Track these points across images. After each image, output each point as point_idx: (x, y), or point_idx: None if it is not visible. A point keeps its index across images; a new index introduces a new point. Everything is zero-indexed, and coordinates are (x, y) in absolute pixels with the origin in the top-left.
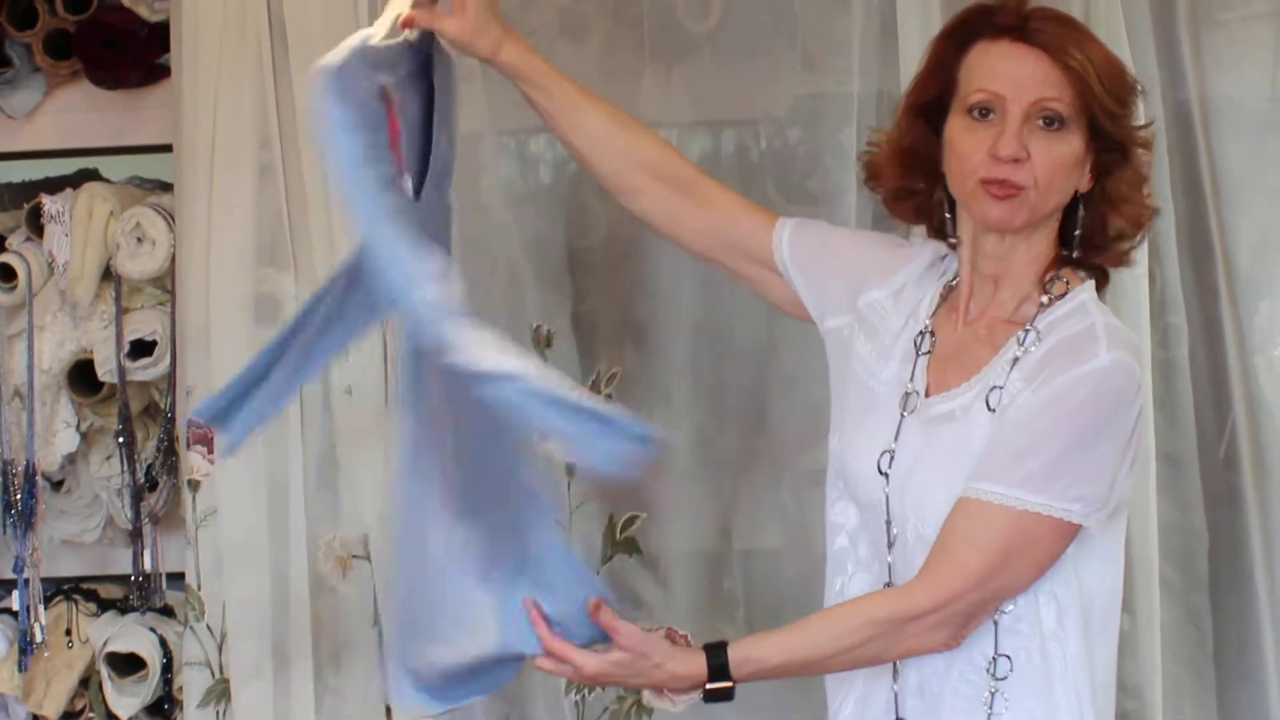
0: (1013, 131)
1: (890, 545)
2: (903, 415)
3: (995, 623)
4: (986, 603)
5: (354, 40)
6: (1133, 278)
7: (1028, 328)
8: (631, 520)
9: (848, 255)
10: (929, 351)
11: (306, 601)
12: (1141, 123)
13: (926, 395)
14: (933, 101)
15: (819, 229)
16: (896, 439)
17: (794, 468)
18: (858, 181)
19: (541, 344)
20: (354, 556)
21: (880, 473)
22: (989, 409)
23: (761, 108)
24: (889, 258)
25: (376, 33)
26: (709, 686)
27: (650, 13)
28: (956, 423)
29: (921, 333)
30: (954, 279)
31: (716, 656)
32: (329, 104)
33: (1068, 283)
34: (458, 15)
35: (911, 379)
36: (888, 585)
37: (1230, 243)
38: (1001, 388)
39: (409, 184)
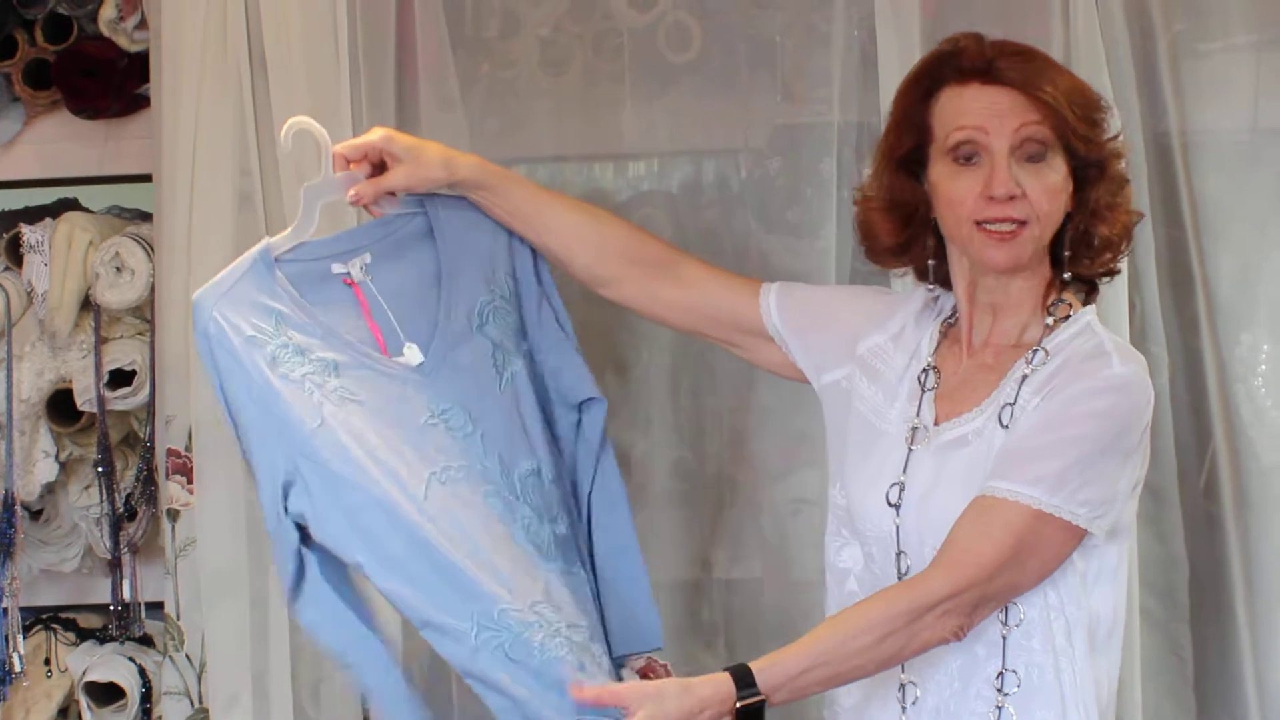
0: (1002, 168)
1: (901, 576)
2: (910, 449)
3: (1004, 638)
4: (994, 596)
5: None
6: (1114, 307)
7: (1036, 348)
8: None
9: (838, 308)
10: (935, 387)
11: (286, 632)
12: (1112, 134)
13: (936, 424)
14: (910, 152)
15: (804, 290)
16: (905, 471)
17: (774, 497)
18: (838, 212)
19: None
20: None
21: (890, 505)
22: (1002, 425)
23: (742, 138)
24: (880, 305)
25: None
26: (740, 704)
27: (630, 44)
28: (970, 446)
29: (925, 370)
30: (951, 316)
31: (739, 671)
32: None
33: (1070, 305)
34: (397, 166)
35: (918, 414)
36: None
37: (1211, 273)
38: (1013, 404)
39: (411, 350)
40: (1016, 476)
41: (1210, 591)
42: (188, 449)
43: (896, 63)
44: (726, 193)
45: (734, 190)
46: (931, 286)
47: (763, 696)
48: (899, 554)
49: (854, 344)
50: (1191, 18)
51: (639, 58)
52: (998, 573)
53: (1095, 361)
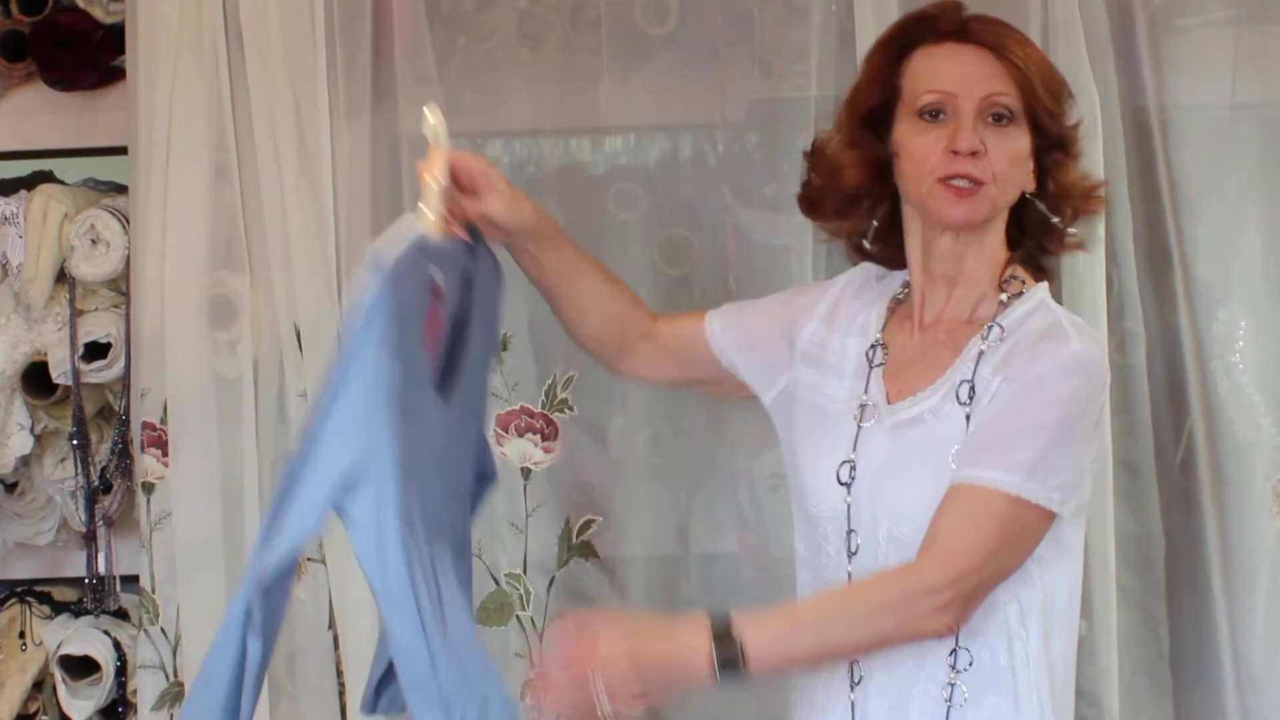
0: (969, 126)
1: (852, 555)
2: (859, 427)
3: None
4: (984, 586)
5: (410, 231)
6: (1091, 283)
7: (991, 324)
8: (588, 524)
9: (772, 314)
10: (882, 364)
11: None
12: (1074, 122)
13: (889, 403)
14: (876, 110)
15: (740, 305)
16: (855, 449)
17: (751, 472)
18: None
19: (498, 348)
20: (309, 560)
21: (841, 483)
22: (959, 402)
23: (719, 112)
24: (809, 296)
25: (424, 227)
26: (719, 653)
27: (608, 16)
28: (926, 424)
29: (873, 346)
30: (901, 292)
31: (719, 624)
32: (380, 296)
33: (1024, 282)
34: (491, 195)
35: (866, 391)
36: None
37: (1188, 249)
38: (970, 381)
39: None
40: (993, 464)
41: (1186, 567)
42: (163, 422)
43: (874, 37)
44: (703, 167)
45: (711, 165)
46: (873, 267)
47: (741, 651)
48: (849, 532)
49: (793, 344)
50: None
51: (616, 31)
52: (988, 561)
53: (1054, 340)
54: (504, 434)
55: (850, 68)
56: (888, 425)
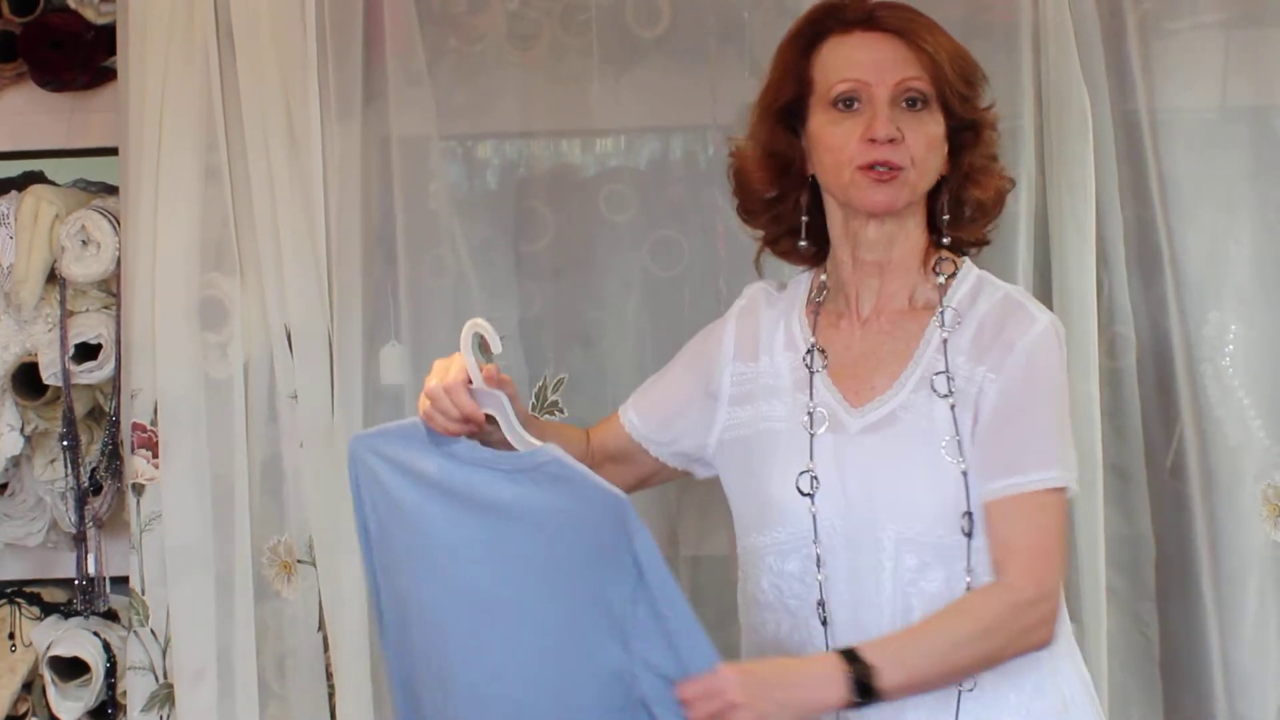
0: (884, 114)
1: (818, 565)
2: (812, 435)
3: (970, 534)
4: (1060, 584)
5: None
6: (1081, 286)
7: (941, 309)
8: None
9: (681, 380)
10: (824, 367)
11: (251, 606)
12: (986, 105)
13: (855, 405)
14: (789, 104)
15: (645, 387)
16: (812, 458)
17: None
18: None
19: (488, 349)
20: (299, 561)
21: (802, 494)
22: (939, 394)
23: (710, 114)
24: (707, 347)
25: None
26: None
27: (598, 18)
28: (903, 421)
29: (809, 352)
30: (817, 295)
31: (843, 650)
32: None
33: (953, 262)
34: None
35: (812, 398)
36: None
37: (1179, 252)
38: (944, 372)
39: None
40: (1030, 466)
41: (1176, 570)
42: (153, 423)
43: None
44: (694, 169)
45: (701, 167)
46: (761, 287)
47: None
48: (814, 541)
49: (716, 396)
50: None
51: (607, 33)
52: (1061, 558)
53: (1017, 317)
54: None
55: None
56: (857, 428)
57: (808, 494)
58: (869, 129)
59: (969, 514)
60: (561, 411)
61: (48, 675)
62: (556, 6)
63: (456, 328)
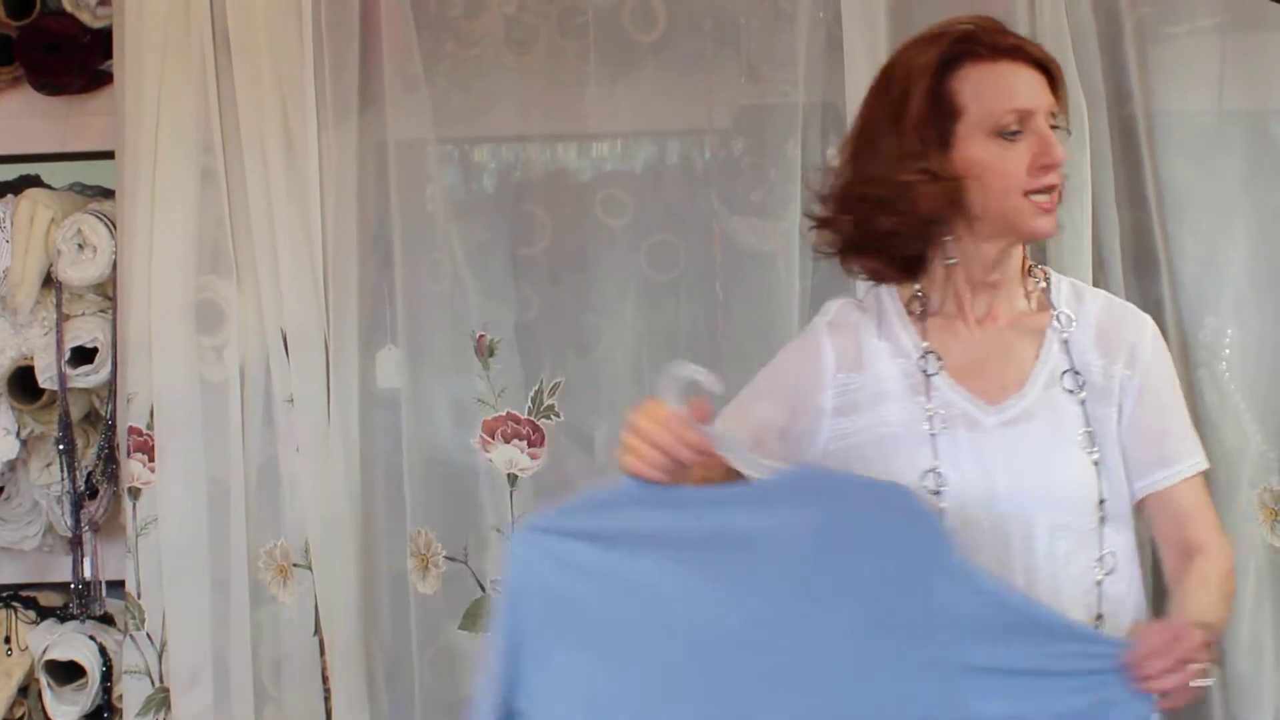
0: (1054, 138)
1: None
2: (933, 435)
3: (1103, 520)
4: None
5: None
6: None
7: (1055, 313)
8: None
9: (770, 413)
10: (942, 369)
11: (247, 610)
12: None
13: (992, 403)
14: (940, 133)
15: (738, 422)
16: (938, 456)
17: None
18: (802, 193)
19: (485, 353)
20: (295, 565)
21: (931, 493)
22: (1068, 391)
23: (706, 119)
24: (799, 367)
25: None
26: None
27: (595, 23)
28: (1040, 417)
29: (924, 356)
30: (917, 305)
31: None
32: None
33: (1042, 270)
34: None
35: (929, 399)
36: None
37: (1175, 256)
38: (1073, 370)
39: None
40: (1182, 455)
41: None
42: (149, 427)
43: (861, 44)
44: (691, 173)
45: (698, 171)
46: (839, 305)
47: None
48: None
49: (812, 412)
50: (1157, 1)
51: (604, 37)
52: None
53: (1129, 316)
54: (490, 440)
55: (838, 74)
56: (995, 424)
57: (935, 491)
58: (1044, 155)
59: (1103, 501)
60: (558, 415)
61: (44, 679)
62: (553, 11)
63: (453, 331)
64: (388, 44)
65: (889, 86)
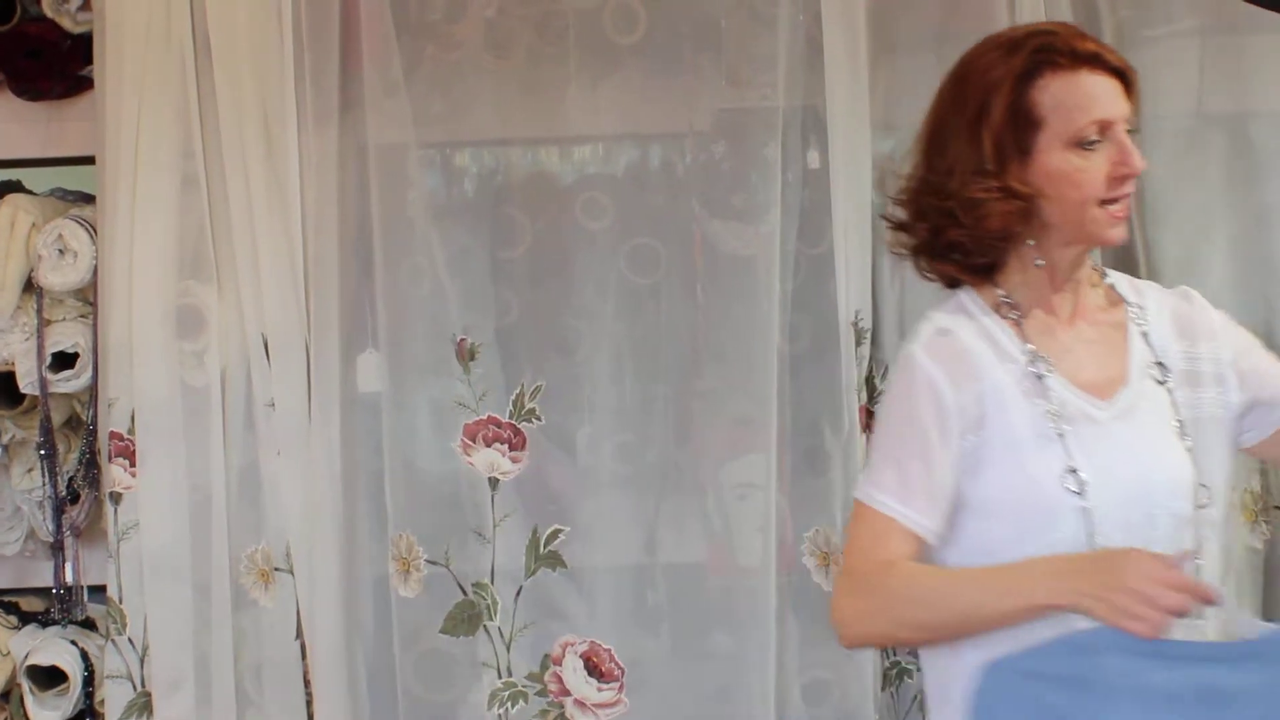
0: (1134, 149)
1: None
2: (1061, 433)
3: (1200, 506)
4: None
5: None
6: None
7: (1129, 306)
8: (556, 534)
9: (945, 463)
10: (1052, 370)
11: (228, 614)
12: None
13: (1105, 398)
14: (1010, 139)
15: (907, 490)
16: (1072, 456)
17: (718, 481)
18: (782, 196)
19: (465, 357)
20: (276, 569)
21: (1072, 492)
22: (1157, 381)
23: (687, 122)
24: (933, 408)
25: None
26: None
27: (575, 26)
28: (1140, 409)
29: (1033, 360)
30: (1008, 310)
31: None
32: None
33: (1097, 267)
34: None
35: (1048, 401)
36: None
37: (1155, 259)
38: (1160, 362)
39: None
40: None
41: None
42: (130, 432)
43: (841, 47)
44: (671, 177)
45: (679, 174)
46: (934, 330)
47: None
48: (1090, 534)
49: (958, 443)
50: (1136, 4)
51: (584, 40)
52: None
53: (1190, 298)
54: (471, 444)
55: (818, 77)
56: (1109, 418)
57: (1077, 492)
58: (1124, 164)
59: (1202, 486)
60: (539, 419)
61: (25, 684)
62: (533, 14)
63: (434, 335)
64: (368, 48)
65: (964, 93)
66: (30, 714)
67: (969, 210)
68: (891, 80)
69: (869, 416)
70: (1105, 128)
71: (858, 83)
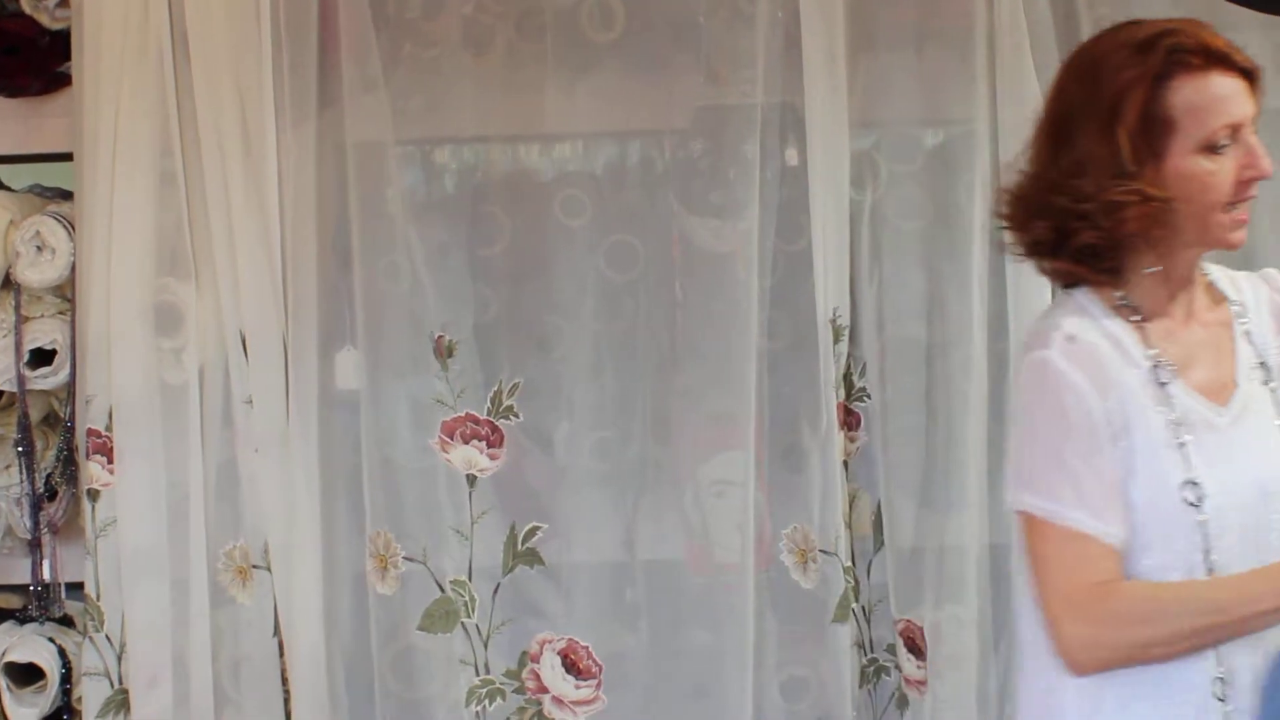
0: (1261, 150)
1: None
2: (1181, 443)
3: None
4: None
5: None
6: (1036, 293)
7: (1232, 304)
8: (533, 531)
9: (1113, 466)
10: (1174, 376)
11: (206, 612)
12: None
13: (1223, 404)
14: (1151, 144)
15: (1094, 501)
16: (1192, 468)
17: (696, 478)
18: (761, 194)
19: (443, 354)
20: (254, 566)
21: (1190, 505)
22: (1264, 383)
23: (665, 119)
24: (1087, 413)
25: None
26: None
27: (553, 24)
28: (1252, 410)
29: (1155, 366)
30: (1130, 314)
31: None
32: None
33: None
34: None
35: (1171, 409)
36: None
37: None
38: (1263, 362)
39: None
40: None
41: None
42: (108, 429)
43: (820, 44)
44: (650, 174)
45: (658, 171)
46: (1064, 336)
47: None
48: (1206, 550)
49: (1125, 453)
50: (1115, 1)
51: (563, 38)
52: None
53: (1264, 276)
54: (449, 441)
55: (796, 74)
56: (1226, 424)
57: (1194, 504)
58: (1253, 168)
59: None
60: (517, 416)
61: (2, 681)
62: (512, 11)
63: (412, 332)
64: (346, 45)
65: (1095, 92)
66: (7, 711)
67: (1108, 213)
68: (870, 77)
69: (847, 413)
70: (1235, 130)
71: (836, 80)
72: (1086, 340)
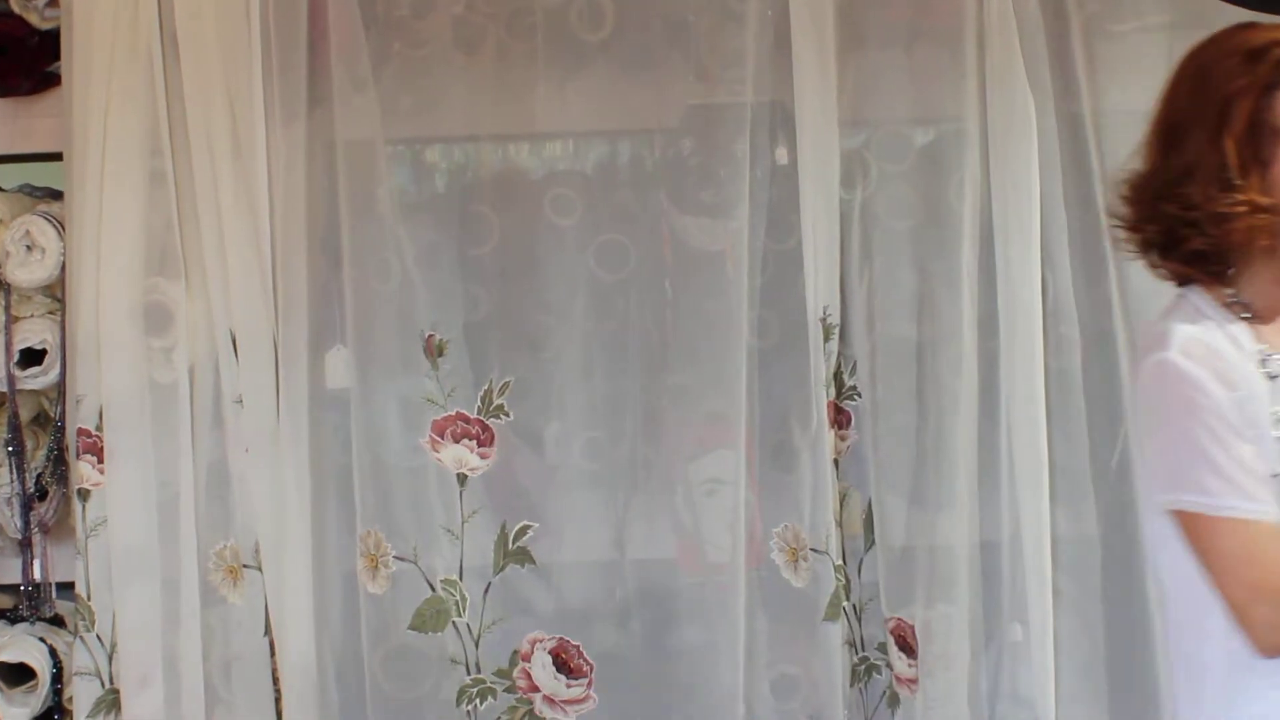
0: None
1: None
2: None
3: None
4: None
5: None
6: (1025, 288)
7: None
8: (524, 530)
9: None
10: None
11: (197, 611)
12: None
13: None
14: (1256, 153)
15: (1243, 482)
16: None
17: (687, 477)
18: (751, 192)
19: (434, 353)
20: (245, 566)
21: None
22: None
23: (656, 118)
24: (1218, 401)
25: None
26: None
27: (543, 23)
28: None
29: (1264, 359)
30: (1241, 311)
31: None
32: None
33: None
34: None
35: (1277, 405)
36: None
37: (1124, 255)
38: None
39: None
40: None
41: (1122, 572)
42: (98, 428)
43: (810, 43)
44: (640, 173)
45: (648, 170)
46: (1180, 332)
47: None
48: None
49: (1257, 440)
50: None
51: (552, 37)
52: None
53: None
54: (440, 440)
55: (786, 73)
56: None
57: None
58: None
59: None
60: (508, 415)
61: None
62: (502, 11)
63: (402, 331)
64: (336, 44)
65: (1203, 98)
66: None
67: (1216, 223)
68: (860, 76)
69: (837, 412)
70: None
71: (826, 79)
72: (1205, 341)
